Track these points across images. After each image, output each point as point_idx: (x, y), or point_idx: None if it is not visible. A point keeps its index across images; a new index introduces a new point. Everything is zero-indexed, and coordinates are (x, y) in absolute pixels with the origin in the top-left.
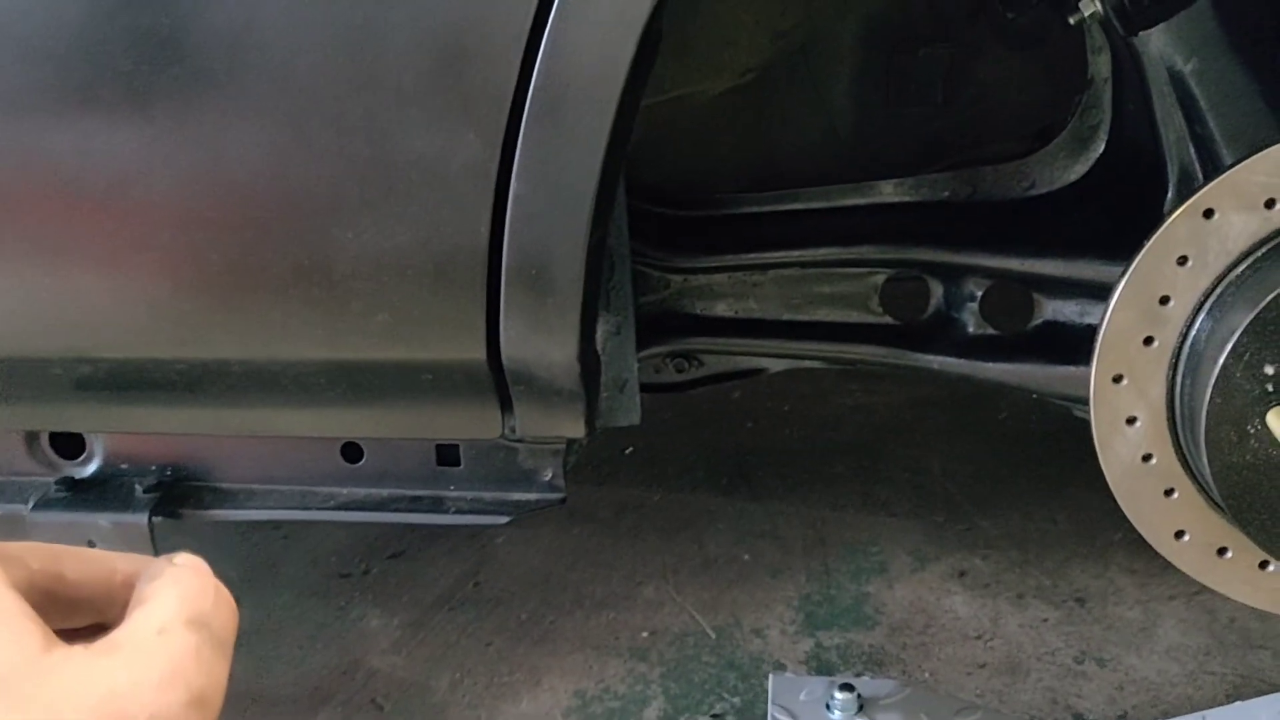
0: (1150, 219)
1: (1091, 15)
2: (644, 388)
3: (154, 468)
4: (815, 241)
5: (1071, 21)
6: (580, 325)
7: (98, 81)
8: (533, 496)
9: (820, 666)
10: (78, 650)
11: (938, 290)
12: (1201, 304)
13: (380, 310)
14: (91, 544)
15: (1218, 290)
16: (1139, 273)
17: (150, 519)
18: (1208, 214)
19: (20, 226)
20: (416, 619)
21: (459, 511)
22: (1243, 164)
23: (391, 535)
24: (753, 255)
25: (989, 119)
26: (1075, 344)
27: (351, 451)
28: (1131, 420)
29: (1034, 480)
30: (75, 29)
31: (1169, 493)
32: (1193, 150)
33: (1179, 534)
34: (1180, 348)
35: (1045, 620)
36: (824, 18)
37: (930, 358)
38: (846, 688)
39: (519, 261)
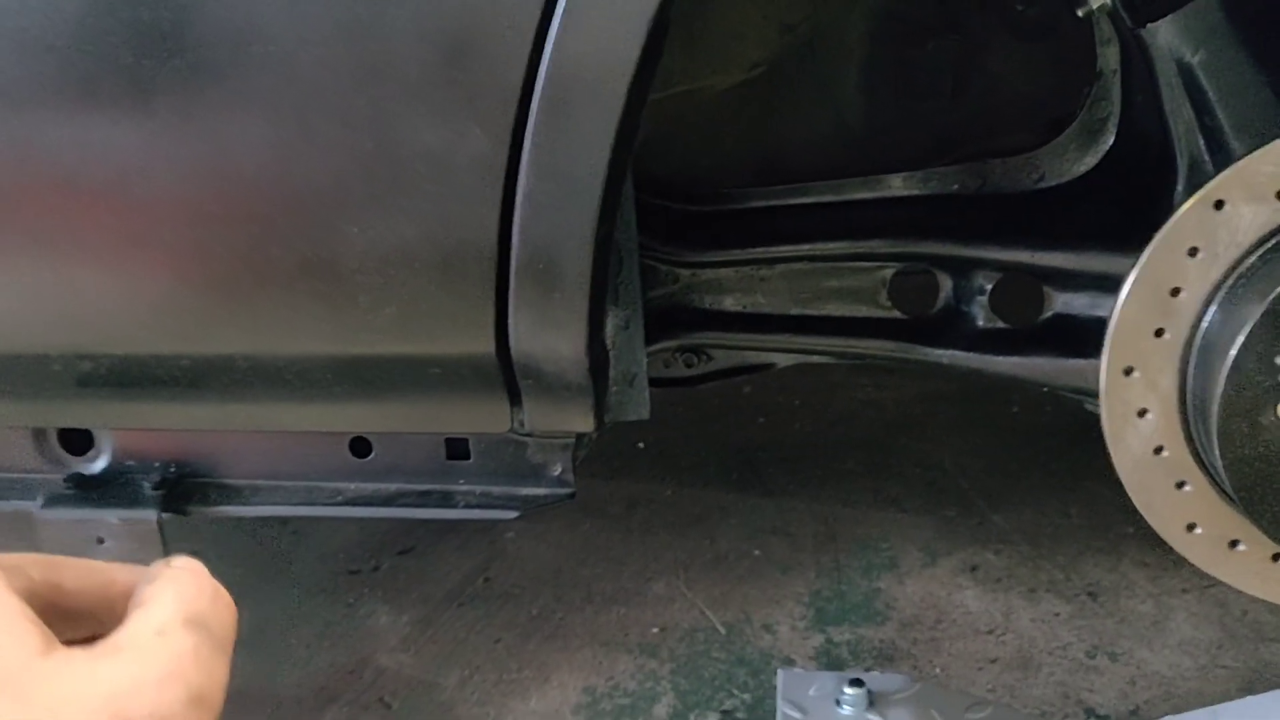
0: (1160, 211)
1: (1100, 7)
2: (653, 382)
3: (161, 464)
4: (823, 236)
5: (1080, 13)
6: (589, 319)
7: (100, 74)
8: (542, 491)
9: (830, 662)
10: (77, 652)
11: (947, 284)
12: (1212, 295)
13: (388, 304)
14: (101, 541)
15: (1229, 281)
16: (1149, 264)
17: (159, 516)
18: (1218, 205)
19: (23, 221)
20: (425, 616)
21: (468, 506)
22: (1252, 155)
23: (401, 531)
24: (761, 250)
25: (998, 112)
26: (1086, 337)
27: (360, 446)
28: (1143, 413)
29: (1046, 474)
30: (76, 21)
31: (1180, 485)
32: (1202, 142)
33: (1190, 527)
34: (1191, 340)
35: (1057, 614)
36: (832, 11)
37: (940, 352)
38: (856, 683)
39: (527, 255)
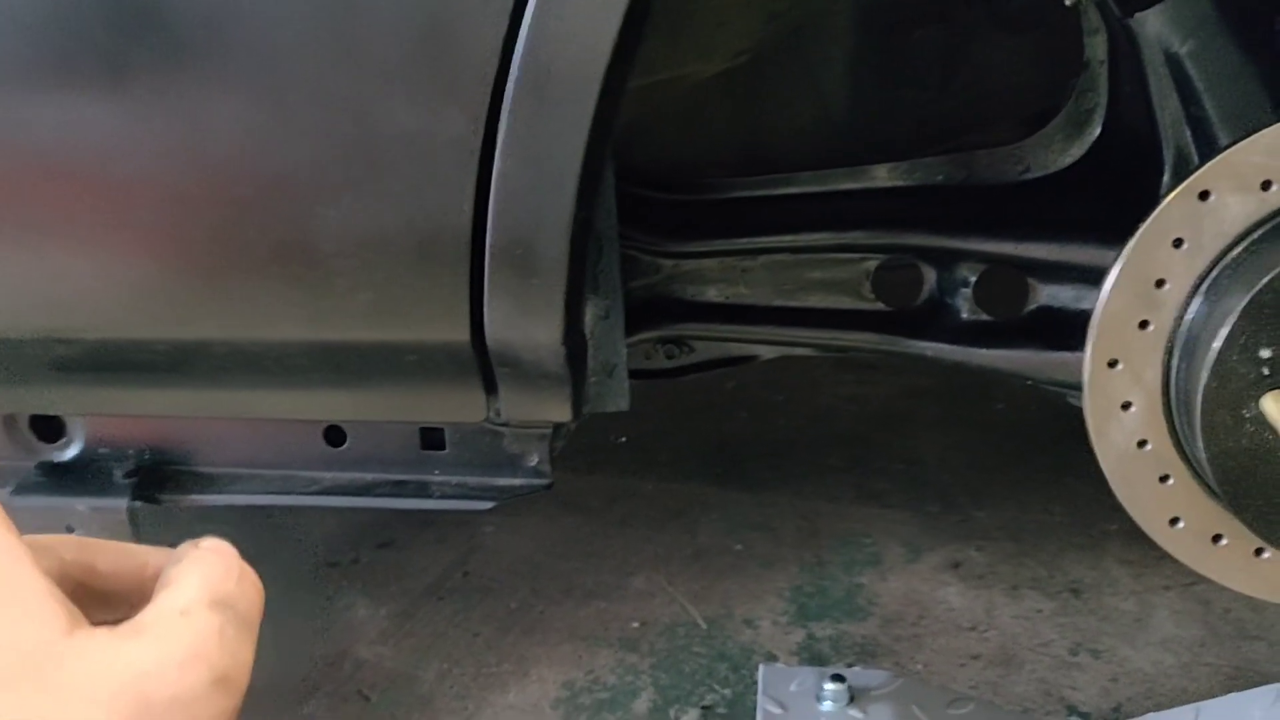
0: (1146, 202)
1: None
2: (634, 374)
3: (134, 452)
4: (807, 226)
5: (1067, 3)
6: (565, 307)
7: (74, 54)
8: (518, 482)
9: (812, 658)
10: (101, 632)
11: (931, 276)
12: (1197, 287)
13: (363, 290)
14: (70, 529)
15: (1214, 273)
16: (1134, 256)
17: (130, 504)
18: (1203, 196)
19: None
20: (404, 609)
21: (443, 496)
22: (1239, 145)
23: (380, 524)
24: (744, 240)
25: (984, 102)
26: (1070, 329)
27: (335, 435)
28: (1126, 405)
29: (1029, 471)
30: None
31: (1164, 479)
32: (1189, 132)
33: (1174, 521)
34: (1176, 331)
35: (1040, 611)
36: None
37: (923, 344)
38: (837, 679)
39: (503, 241)
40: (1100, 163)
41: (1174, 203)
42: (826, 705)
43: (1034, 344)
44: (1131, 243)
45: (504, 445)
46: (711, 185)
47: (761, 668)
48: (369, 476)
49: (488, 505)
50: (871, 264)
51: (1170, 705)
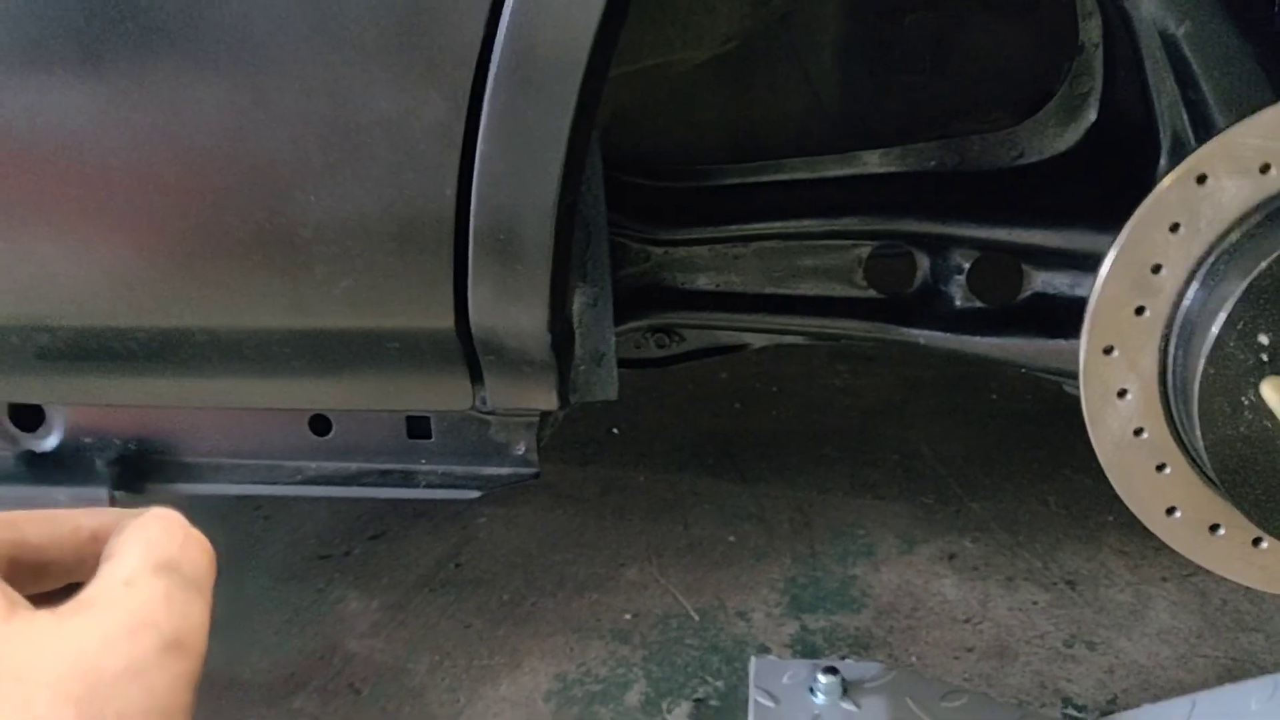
0: (1143, 187)
1: None
2: (625, 363)
3: (117, 441)
4: (798, 213)
5: None
6: (551, 293)
7: (50, 38)
8: (505, 470)
9: (805, 650)
10: (43, 614)
11: (924, 263)
12: (1194, 272)
13: (345, 276)
14: None
15: (1211, 258)
16: (1130, 241)
17: (111, 493)
18: (1200, 179)
19: None
20: (396, 601)
21: (430, 486)
22: (1236, 127)
23: (372, 516)
24: (734, 227)
25: (977, 88)
26: (1065, 317)
27: (320, 424)
28: (1122, 393)
29: (1025, 462)
30: None
31: (1161, 468)
32: (1185, 115)
33: (1170, 510)
34: (1173, 318)
35: (1035, 603)
36: None
37: (916, 332)
38: (830, 671)
39: (487, 226)
40: (1096, 147)
41: (1170, 187)
42: (819, 698)
43: (1029, 331)
44: (1127, 228)
45: (491, 434)
46: (702, 172)
47: (753, 660)
48: (354, 466)
49: (475, 494)
50: (864, 251)
51: (1166, 697)
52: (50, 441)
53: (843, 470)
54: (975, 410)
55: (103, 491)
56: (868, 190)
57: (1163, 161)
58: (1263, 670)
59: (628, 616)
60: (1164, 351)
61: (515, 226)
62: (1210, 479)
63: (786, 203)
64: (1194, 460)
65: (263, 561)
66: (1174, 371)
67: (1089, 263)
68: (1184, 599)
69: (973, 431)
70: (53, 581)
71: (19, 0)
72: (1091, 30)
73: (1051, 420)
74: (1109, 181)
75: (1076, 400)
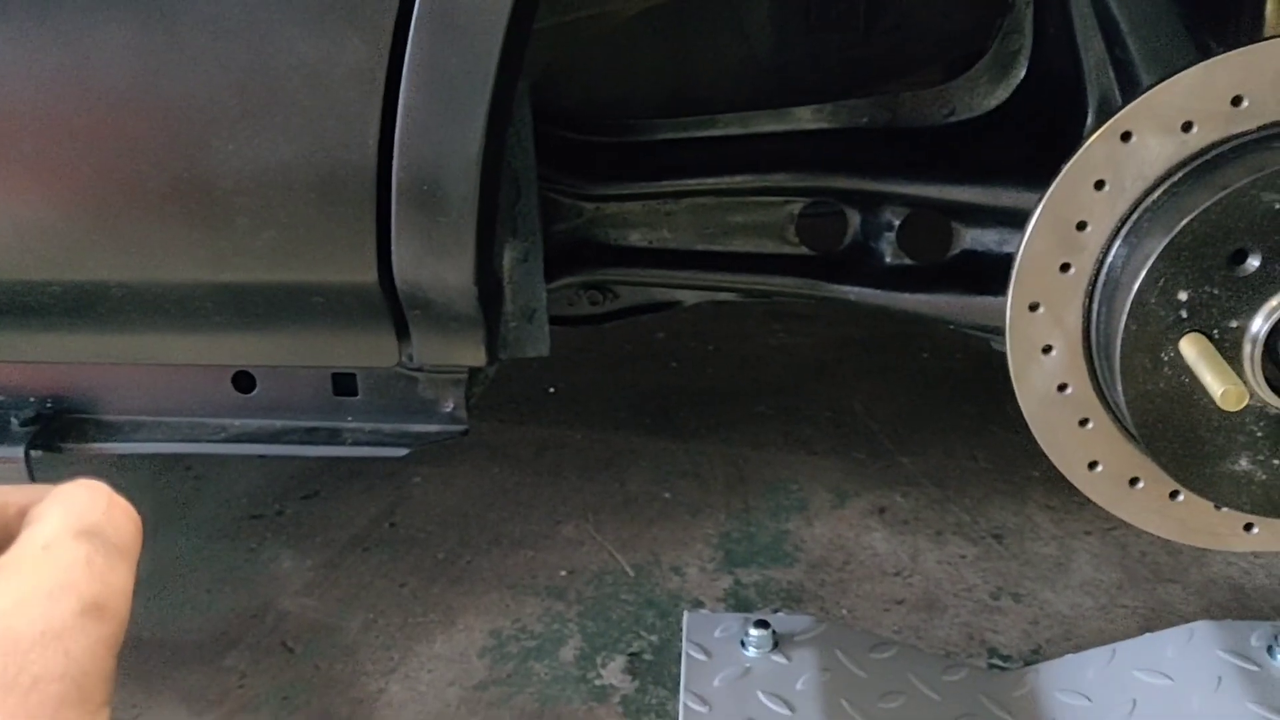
0: (1071, 144)
1: None
2: (558, 320)
3: (33, 399)
4: (731, 169)
5: None
6: (476, 247)
7: None
8: (434, 428)
9: (739, 604)
10: None
11: (855, 220)
12: (1118, 229)
13: (266, 228)
14: None
15: (1134, 215)
16: (1056, 198)
17: (28, 452)
18: (1125, 137)
19: None
20: (329, 560)
21: (356, 443)
22: (1160, 86)
23: (306, 475)
24: (667, 183)
25: (911, 45)
26: (994, 273)
27: (243, 381)
28: (1047, 349)
29: (955, 418)
30: None
31: (1083, 423)
32: (1113, 74)
33: (1092, 464)
34: (1097, 274)
35: (963, 557)
36: None
37: (846, 289)
38: (761, 624)
39: (410, 177)
40: (1025, 105)
41: (1096, 144)
42: (750, 651)
43: (957, 288)
44: (1053, 185)
45: (419, 391)
46: (634, 127)
47: (686, 615)
48: (279, 424)
49: (403, 452)
50: (795, 208)
51: (1088, 646)
52: None
53: (776, 427)
54: (907, 369)
55: (19, 450)
56: (800, 146)
57: (1090, 119)
58: (1180, 619)
59: (563, 573)
60: (1088, 308)
61: (439, 178)
62: (1131, 434)
63: (719, 158)
64: (1115, 415)
65: (194, 521)
66: (1097, 328)
67: (1017, 220)
68: (1106, 552)
69: (904, 389)
70: None
71: None
72: None
73: (981, 378)
74: (1038, 138)
75: (1005, 359)
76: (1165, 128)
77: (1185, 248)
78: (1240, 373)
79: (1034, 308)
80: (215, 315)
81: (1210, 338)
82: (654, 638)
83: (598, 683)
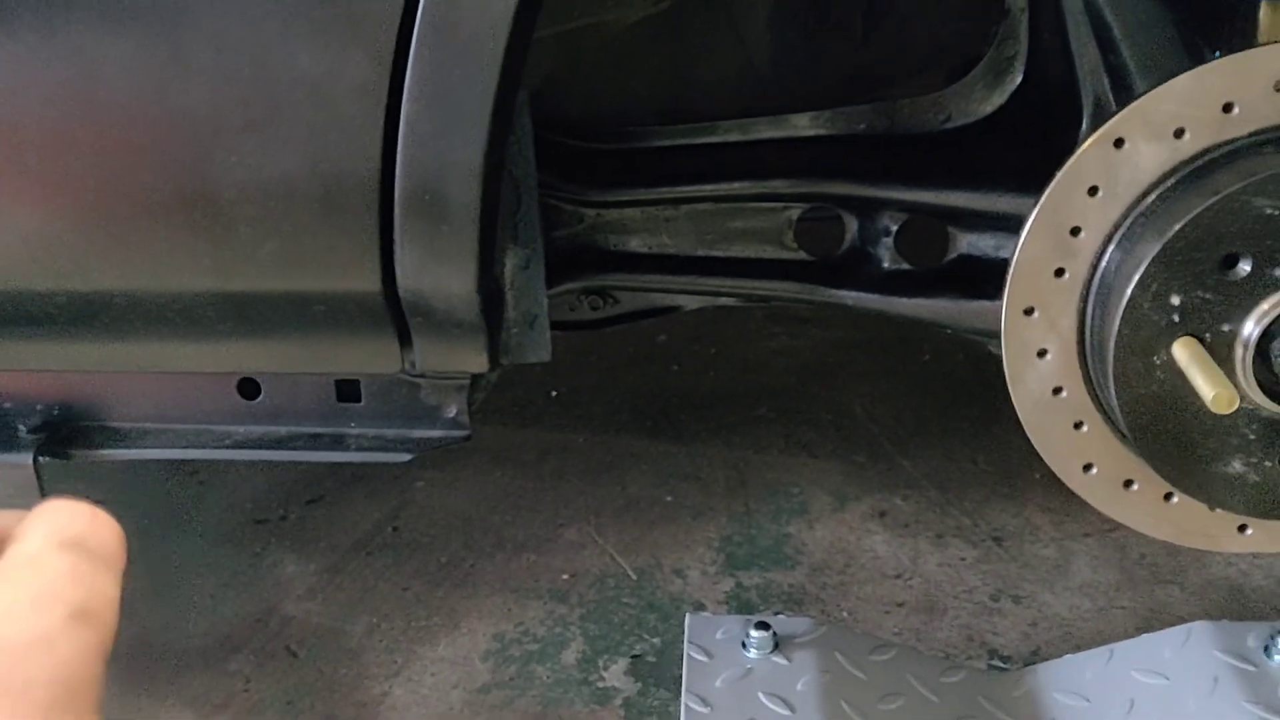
0: (1066, 151)
1: None
2: (559, 326)
3: (41, 407)
4: (729, 175)
5: None
6: (479, 255)
7: None
8: (436, 433)
9: (740, 606)
10: None
11: (853, 225)
12: (1112, 235)
13: (269, 238)
14: None
15: (1128, 221)
16: (1050, 204)
17: (36, 459)
18: (1118, 144)
19: None
20: (333, 564)
21: (360, 449)
22: (1152, 93)
23: (309, 480)
24: (666, 189)
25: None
26: (990, 278)
27: (248, 388)
28: (1042, 353)
29: (955, 421)
30: None
31: (1078, 426)
32: (1107, 80)
33: (1087, 467)
34: (1091, 279)
35: (963, 559)
36: None
37: (844, 293)
38: (762, 626)
39: (412, 186)
40: (1021, 111)
41: (1089, 151)
42: (752, 653)
43: (954, 293)
44: (1047, 191)
45: (421, 397)
46: (634, 134)
47: (688, 617)
48: (284, 430)
49: (405, 457)
50: (794, 213)
51: (1087, 647)
52: None
53: (778, 430)
54: (908, 371)
55: (27, 457)
56: (798, 153)
57: (1085, 125)
58: (1178, 620)
59: (565, 576)
60: (1082, 312)
61: (441, 187)
62: (1125, 436)
63: (717, 165)
64: (1109, 418)
65: (198, 526)
66: (1091, 332)
67: (1013, 225)
68: (1104, 553)
69: (905, 392)
70: None
71: None
72: None
73: (982, 381)
74: (1033, 144)
75: (999, 358)
76: (1157, 134)
77: (1178, 252)
78: (1232, 376)
79: (1029, 312)
80: (220, 324)
81: (1202, 341)
82: (656, 640)
83: (600, 685)
